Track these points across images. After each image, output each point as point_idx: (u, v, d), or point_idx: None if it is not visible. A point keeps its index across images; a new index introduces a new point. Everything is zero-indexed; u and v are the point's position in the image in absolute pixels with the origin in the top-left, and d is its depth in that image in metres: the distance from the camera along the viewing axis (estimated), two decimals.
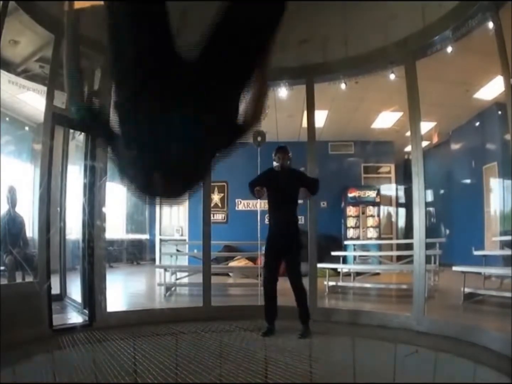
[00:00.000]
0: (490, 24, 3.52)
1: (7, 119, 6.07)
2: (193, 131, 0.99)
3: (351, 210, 9.80)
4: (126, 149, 1.07)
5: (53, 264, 4.30)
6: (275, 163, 4.05)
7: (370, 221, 9.80)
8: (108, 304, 4.22)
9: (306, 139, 4.84)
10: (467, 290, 4.97)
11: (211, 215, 5.36)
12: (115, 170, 1.16)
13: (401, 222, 11.14)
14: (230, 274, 8.00)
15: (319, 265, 5.14)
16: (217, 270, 6.77)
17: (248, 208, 9.84)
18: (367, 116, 8.22)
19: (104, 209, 4.24)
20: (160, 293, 6.27)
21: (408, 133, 4.25)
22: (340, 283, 6.40)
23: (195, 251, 7.80)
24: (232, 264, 7.82)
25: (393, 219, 10.48)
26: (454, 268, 5.24)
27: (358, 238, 9.54)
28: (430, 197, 10.62)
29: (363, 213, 9.78)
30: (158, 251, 10.20)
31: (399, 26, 4.13)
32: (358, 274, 6.77)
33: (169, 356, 3.32)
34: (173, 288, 6.48)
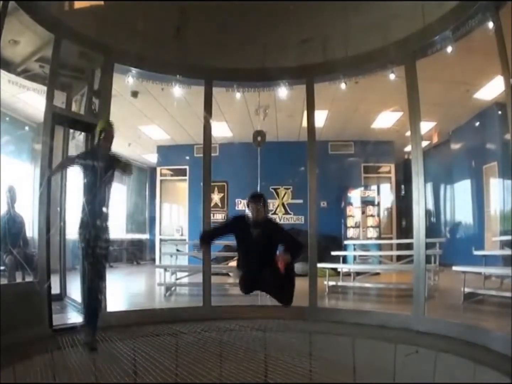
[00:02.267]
0: (490, 24, 3.51)
1: (7, 119, 6.06)
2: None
3: (351, 210, 9.80)
4: None
5: (53, 264, 4.30)
6: (248, 213, 3.38)
7: (370, 221, 9.80)
8: (108, 304, 4.22)
9: (306, 139, 4.84)
10: (467, 290, 4.97)
11: (211, 215, 5.37)
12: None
13: (401, 222, 11.13)
14: (230, 274, 8.00)
15: (319, 265, 5.13)
16: (217, 270, 6.77)
17: None
18: (367, 116, 8.21)
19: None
20: (160, 293, 6.27)
21: (408, 133, 4.25)
22: (340, 283, 6.40)
23: (195, 251, 7.81)
24: (232, 264, 7.80)
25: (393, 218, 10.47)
26: (454, 268, 5.24)
27: (358, 238, 9.54)
28: (430, 197, 10.62)
29: (363, 213, 9.78)
30: (158, 251, 10.20)
31: (399, 26, 4.13)
32: (358, 274, 6.77)
33: (168, 356, 3.32)
34: (173, 288, 6.48)
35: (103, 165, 3.39)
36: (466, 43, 4.10)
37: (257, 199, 3.39)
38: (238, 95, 5.53)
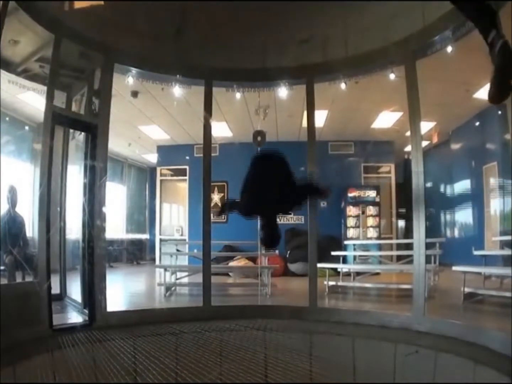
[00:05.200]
0: None
1: (7, 119, 6.07)
2: None
3: (351, 210, 9.81)
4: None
5: (53, 264, 4.30)
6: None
7: (370, 221, 9.81)
8: (108, 304, 4.22)
9: (306, 139, 4.84)
10: (467, 290, 4.97)
11: (211, 215, 5.36)
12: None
13: (401, 222, 11.15)
14: (230, 274, 8.01)
15: (319, 265, 5.13)
16: (217, 270, 6.77)
17: None
18: (367, 116, 8.22)
19: (104, 209, 4.24)
20: (160, 293, 6.27)
21: (408, 133, 4.25)
22: (340, 283, 6.40)
23: (195, 251, 7.81)
24: (232, 264, 7.81)
25: (393, 218, 10.48)
26: (454, 268, 5.24)
27: (358, 238, 9.54)
28: (430, 197, 10.63)
29: (363, 213, 9.79)
30: (158, 251, 10.21)
31: (399, 26, 4.13)
32: (358, 274, 6.77)
33: (169, 356, 3.32)
34: (173, 288, 6.48)
35: None
36: (466, 43, 4.09)
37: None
38: (238, 95, 5.54)
